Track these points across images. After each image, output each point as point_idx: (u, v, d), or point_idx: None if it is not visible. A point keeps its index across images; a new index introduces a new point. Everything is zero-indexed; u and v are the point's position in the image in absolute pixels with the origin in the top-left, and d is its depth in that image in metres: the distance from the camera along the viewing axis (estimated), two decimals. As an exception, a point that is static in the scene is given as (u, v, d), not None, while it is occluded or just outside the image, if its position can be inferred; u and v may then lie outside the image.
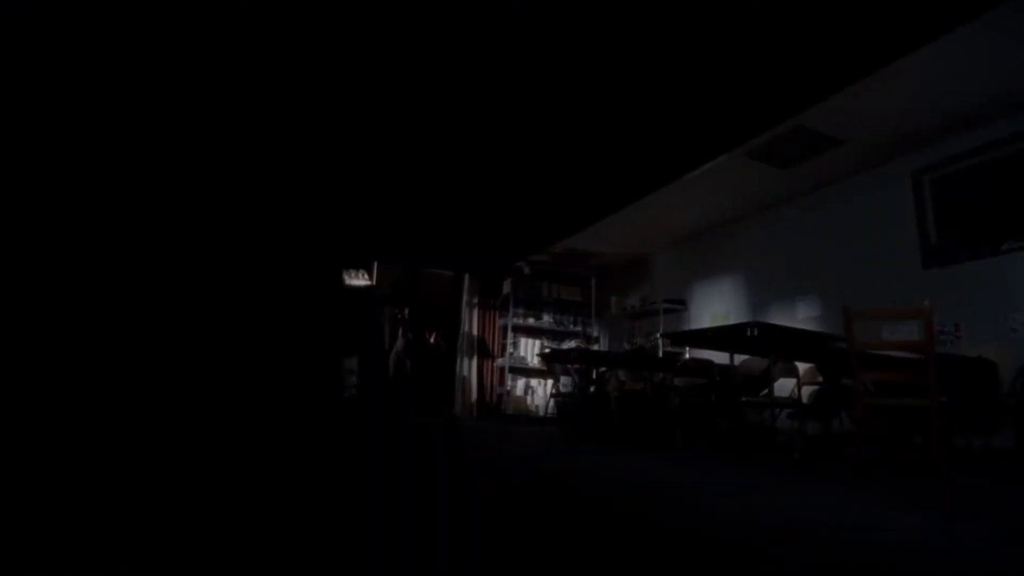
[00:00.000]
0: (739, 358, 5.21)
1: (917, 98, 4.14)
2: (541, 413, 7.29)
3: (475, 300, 8.06)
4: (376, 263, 5.81)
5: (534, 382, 7.99)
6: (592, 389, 6.10)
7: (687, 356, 6.27)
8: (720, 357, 5.11)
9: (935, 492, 2.54)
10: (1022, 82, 3.91)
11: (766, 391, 5.26)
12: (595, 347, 8.35)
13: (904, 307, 3.17)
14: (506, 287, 8.18)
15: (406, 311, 7.38)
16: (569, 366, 6.51)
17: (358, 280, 5.84)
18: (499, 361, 8.02)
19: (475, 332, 7.97)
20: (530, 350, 8.12)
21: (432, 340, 7.37)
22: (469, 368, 7.76)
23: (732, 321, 5.82)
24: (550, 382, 7.23)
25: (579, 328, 8.48)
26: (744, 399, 4.28)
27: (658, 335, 6.80)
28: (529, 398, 7.85)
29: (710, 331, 3.30)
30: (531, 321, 8.21)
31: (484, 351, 8.01)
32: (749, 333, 2.92)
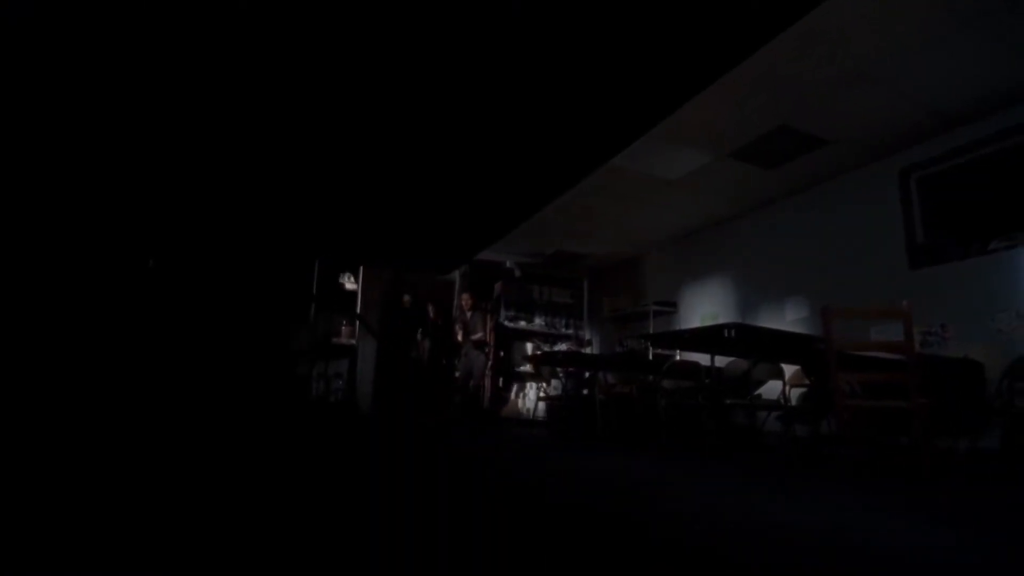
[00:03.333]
0: (729, 360, 5.19)
1: (903, 97, 4.12)
2: (531, 416, 7.25)
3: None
4: (362, 267, 5.79)
5: (526, 385, 7.95)
6: (585, 392, 6.07)
7: (678, 358, 6.24)
8: (705, 359, 5.07)
9: (915, 495, 2.50)
10: (1008, 79, 3.89)
11: (757, 393, 5.25)
12: (587, 350, 8.30)
13: (884, 306, 3.13)
14: (497, 289, 8.15)
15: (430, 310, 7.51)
16: (558, 369, 6.48)
17: (347, 284, 5.82)
18: (491, 364, 7.98)
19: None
20: (522, 353, 8.08)
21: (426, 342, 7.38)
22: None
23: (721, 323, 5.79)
24: (541, 384, 7.20)
25: (571, 331, 8.44)
26: (729, 401, 4.24)
27: (643, 338, 6.79)
28: (520, 401, 7.81)
29: (687, 332, 3.27)
30: (523, 324, 8.17)
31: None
32: (726, 334, 2.89)
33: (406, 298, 7.42)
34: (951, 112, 4.30)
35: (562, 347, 8.21)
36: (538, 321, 8.30)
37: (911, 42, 3.52)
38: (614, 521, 1.72)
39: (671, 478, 2.79)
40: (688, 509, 1.98)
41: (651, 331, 6.90)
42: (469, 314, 6.76)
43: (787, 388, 4.84)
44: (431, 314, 7.24)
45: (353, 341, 5.65)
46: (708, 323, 6.32)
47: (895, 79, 3.90)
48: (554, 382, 6.82)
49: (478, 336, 6.67)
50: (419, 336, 6.93)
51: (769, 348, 3.59)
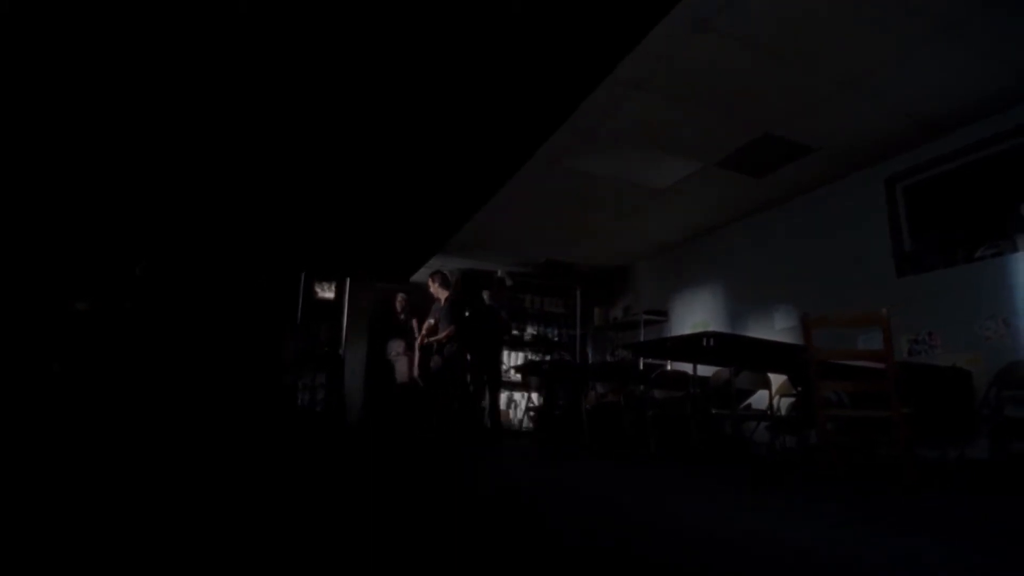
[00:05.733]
0: (719, 370, 5.15)
1: (887, 105, 4.11)
2: (523, 426, 7.19)
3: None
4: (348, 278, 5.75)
5: (517, 395, 7.90)
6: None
7: (669, 367, 6.19)
8: (701, 369, 5.03)
9: (891, 506, 2.45)
10: (989, 87, 3.87)
11: (747, 402, 5.20)
12: (576, 359, 8.25)
13: (862, 314, 3.10)
14: (487, 300, 8.10)
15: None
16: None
17: (327, 293, 5.79)
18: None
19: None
20: (513, 363, 8.03)
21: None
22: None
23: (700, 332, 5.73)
24: (534, 395, 7.14)
25: (563, 340, 8.40)
26: (715, 411, 4.19)
27: (626, 347, 6.72)
28: (512, 412, 7.76)
29: (669, 341, 3.24)
30: (514, 333, 8.13)
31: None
32: (705, 343, 2.86)
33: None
34: (935, 120, 4.28)
35: (556, 356, 8.17)
36: (530, 330, 8.26)
37: (890, 50, 3.51)
38: (580, 537, 1.68)
39: (646, 490, 2.74)
40: (659, 522, 1.94)
41: (642, 340, 6.85)
42: (443, 301, 5.49)
43: (777, 397, 4.80)
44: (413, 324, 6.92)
45: (340, 351, 5.61)
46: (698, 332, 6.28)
47: (876, 87, 3.88)
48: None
49: (443, 335, 5.35)
50: (401, 347, 6.39)
51: (751, 357, 3.55)
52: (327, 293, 5.74)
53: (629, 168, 5.19)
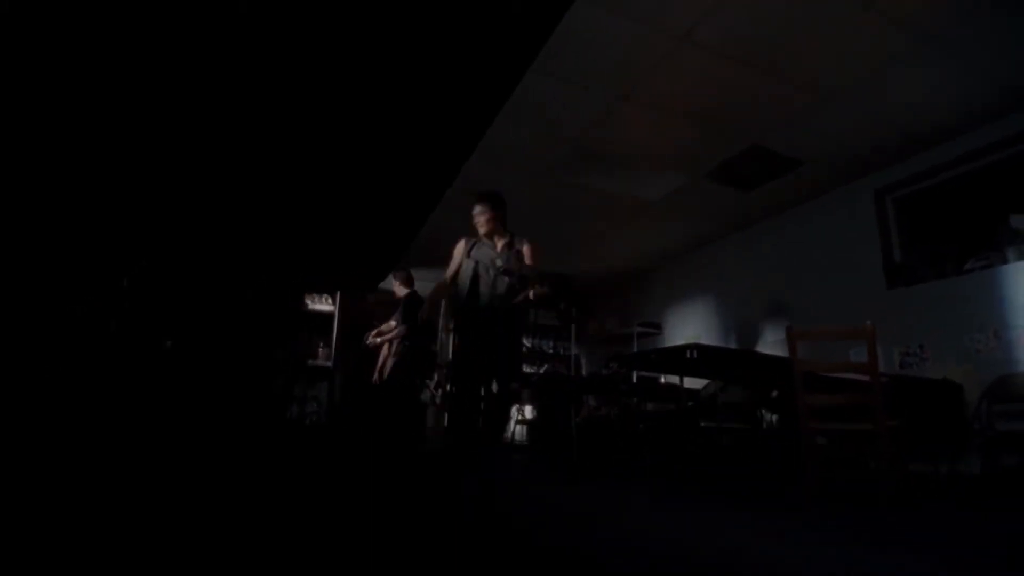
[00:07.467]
0: (706, 382, 5.11)
1: (876, 117, 4.12)
2: (515, 439, 7.12)
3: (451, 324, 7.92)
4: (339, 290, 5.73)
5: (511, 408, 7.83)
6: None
7: (663, 380, 6.13)
8: (693, 382, 4.99)
9: (878, 520, 2.41)
10: (981, 99, 3.88)
11: (739, 415, 5.15)
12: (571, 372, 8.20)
13: (847, 327, 3.08)
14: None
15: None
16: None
17: (322, 305, 5.78)
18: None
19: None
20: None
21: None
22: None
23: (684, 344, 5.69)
24: (527, 408, 7.09)
25: (558, 352, 8.34)
26: (703, 424, 4.15)
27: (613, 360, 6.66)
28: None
29: (653, 353, 3.21)
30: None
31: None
32: (688, 355, 2.83)
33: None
34: (924, 132, 4.29)
35: (546, 368, 8.11)
36: (524, 342, 8.21)
37: (879, 62, 3.52)
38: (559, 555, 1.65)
39: (627, 504, 2.70)
40: (633, 539, 1.91)
41: (633, 352, 6.81)
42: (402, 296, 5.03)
43: (762, 409, 4.75)
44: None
45: (329, 363, 5.57)
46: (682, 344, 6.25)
47: (865, 99, 3.88)
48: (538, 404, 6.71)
49: (393, 333, 4.94)
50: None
51: (736, 369, 3.52)
52: (320, 305, 5.72)
53: (619, 180, 5.20)
